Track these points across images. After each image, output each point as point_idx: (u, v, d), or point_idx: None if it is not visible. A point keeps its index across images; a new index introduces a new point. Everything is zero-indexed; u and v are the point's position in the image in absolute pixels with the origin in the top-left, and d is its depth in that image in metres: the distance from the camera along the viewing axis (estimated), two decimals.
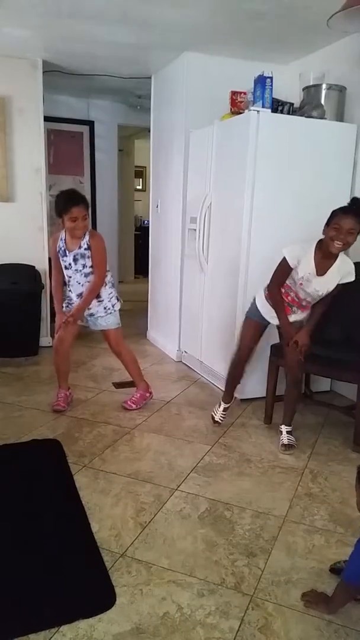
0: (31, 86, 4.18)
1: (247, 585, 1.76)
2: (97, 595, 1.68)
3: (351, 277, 2.68)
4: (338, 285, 2.69)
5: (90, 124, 5.77)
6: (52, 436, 2.84)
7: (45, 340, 4.50)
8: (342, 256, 2.68)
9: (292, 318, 2.80)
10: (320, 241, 2.63)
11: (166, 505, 2.21)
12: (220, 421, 3.07)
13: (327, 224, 2.58)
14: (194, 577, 1.78)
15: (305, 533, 2.07)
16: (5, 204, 4.26)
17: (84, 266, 3.04)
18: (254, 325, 2.91)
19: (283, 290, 2.76)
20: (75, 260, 3.02)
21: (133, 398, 3.32)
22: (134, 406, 3.28)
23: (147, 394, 3.37)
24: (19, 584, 1.72)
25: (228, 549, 1.94)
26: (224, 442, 2.86)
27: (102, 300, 3.12)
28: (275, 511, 2.21)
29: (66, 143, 5.74)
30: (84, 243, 3.00)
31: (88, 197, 5.83)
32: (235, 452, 2.75)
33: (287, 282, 2.74)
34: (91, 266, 3.05)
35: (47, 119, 4.52)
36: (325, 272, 2.65)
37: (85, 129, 5.79)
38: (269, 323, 2.89)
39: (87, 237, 3.01)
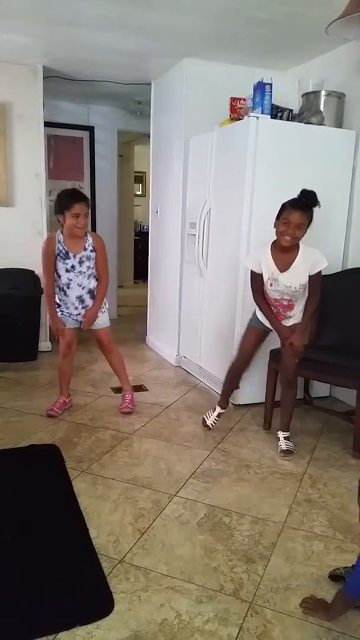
0: (31, 92, 4.20)
1: (246, 591, 1.75)
2: (95, 602, 1.67)
3: (321, 264, 2.67)
4: (313, 276, 2.68)
5: (90, 129, 5.79)
6: (51, 441, 2.83)
7: (44, 345, 4.50)
8: (303, 247, 2.68)
9: (290, 322, 2.81)
10: (274, 241, 2.68)
11: (165, 511, 2.20)
12: (211, 426, 3.06)
13: (277, 217, 2.62)
14: (193, 584, 1.78)
15: (305, 539, 2.06)
16: (5, 209, 4.28)
17: (88, 268, 3.04)
18: (255, 331, 2.92)
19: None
20: (80, 262, 3.02)
21: (127, 400, 3.34)
22: (134, 407, 3.30)
23: (132, 392, 3.43)
24: (16, 590, 1.71)
25: (227, 555, 1.93)
26: (223, 448, 2.86)
27: None
28: (274, 517, 2.20)
29: (66, 148, 5.76)
30: (89, 245, 3.01)
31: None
32: (234, 457, 2.75)
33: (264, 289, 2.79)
34: (93, 267, 3.05)
35: (47, 124, 4.53)
36: (289, 267, 2.66)
37: (85, 135, 5.81)
38: (270, 330, 2.90)
39: (90, 239, 3.02)
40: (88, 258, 3.02)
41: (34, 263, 4.30)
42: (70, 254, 3.00)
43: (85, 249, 3.01)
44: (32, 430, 2.98)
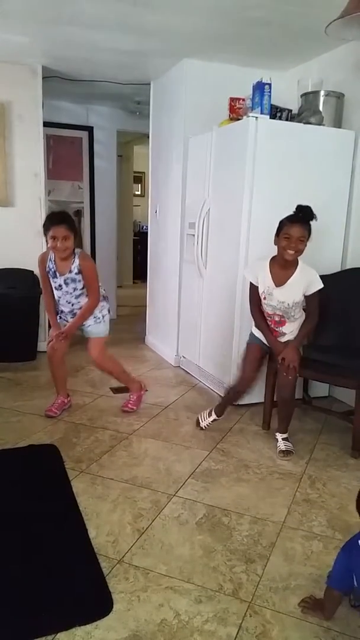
0: (31, 92, 4.20)
1: (245, 591, 1.75)
2: (94, 602, 1.67)
3: (317, 286, 2.71)
4: (310, 297, 2.72)
5: (90, 129, 5.79)
6: (50, 441, 2.83)
7: (43, 345, 4.47)
8: (301, 265, 2.72)
9: (286, 338, 2.82)
10: (275, 256, 2.72)
11: (164, 511, 2.20)
12: (204, 428, 3.06)
13: (277, 234, 2.67)
14: (192, 584, 1.77)
15: (304, 539, 2.06)
16: (5, 209, 4.27)
17: (74, 289, 3.02)
18: (255, 349, 2.93)
19: None
20: (66, 283, 3.01)
21: (131, 400, 3.33)
22: (134, 408, 3.30)
23: (142, 392, 3.41)
24: (15, 590, 1.70)
25: (226, 555, 1.93)
26: (222, 448, 2.86)
27: (93, 312, 3.12)
28: (274, 517, 2.20)
29: (65, 148, 5.76)
30: (75, 267, 2.96)
31: (87, 202, 5.90)
32: (233, 457, 2.75)
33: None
34: (82, 288, 3.03)
35: (46, 124, 4.53)
36: (285, 283, 2.70)
37: (84, 135, 5.80)
38: (269, 349, 2.91)
39: (77, 261, 2.97)
40: (73, 280, 2.99)
41: (33, 263, 4.26)
42: (58, 274, 3.00)
43: (70, 271, 2.97)
44: (31, 430, 2.97)
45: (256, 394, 3.31)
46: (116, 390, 3.65)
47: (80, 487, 2.37)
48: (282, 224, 2.65)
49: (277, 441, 2.83)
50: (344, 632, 1.58)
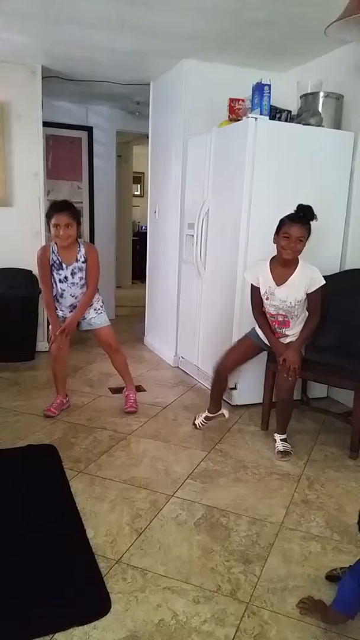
0: (30, 92, 4.19)
1: (243, 592, 1.75)
2: (92, 602, 1.67)
3: (319, 282, 2.71)
4: (312, 295, 2.72)
5: (89, 129, 5.79)
6: (48, 441, 2.83)
7: (42, 345, 4.49)
8: (302, 264, 2.72)
9: (288, 340, 2.82)
10: (275, 256, 2.72)
11: (162, 512, 2.20)
12: (198, 427, 3.07)
13: (277, 232, 2.66)
14: (190, 584, 1.77)
15: (302, 540, 2.06)
16: (4, 209, 4.27)
17: (81, 279, 3.03)
18: (249, 343, 2.95)
19: None
20: (72, 273, 3.01)
21: (131, 400, 3.35)
22: (137, 407, 3.32)
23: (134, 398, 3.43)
24: (13, 590, 1.70)
25: (224, 556, 1.93)
26: (221, 448, 2.86)
27: (92, 304, 3.14)
28: (272, 518, 2.20)
29: (64, 148, 5.75)
30: (81, 256, 2.98)
31: (86, 202, 5.89)
32: (232, 458, 2.75)
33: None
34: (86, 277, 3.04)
35: (45, 124, 4.52)
36: (286, 281, 2.70)
37: (83, 135, 5.80)
38: (267, 348, 2.92)
39: (83, 250, 2.98)
40: (80, 269, 3.01)
41: (32, 263, 4.27)
42: (64, 265, 2.99)
43: (77, 260, 2.99)
44: (29, 430, 2.97)
45: (255, 395, 3.32)
46: (115, 391, 3.65)
47: (79, 487, 2.36)
48: (282, 223, 2.65)
49: (276, 442, 2.83)
50: (342, 633, 1.59)
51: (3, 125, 4.15)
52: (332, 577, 1.80)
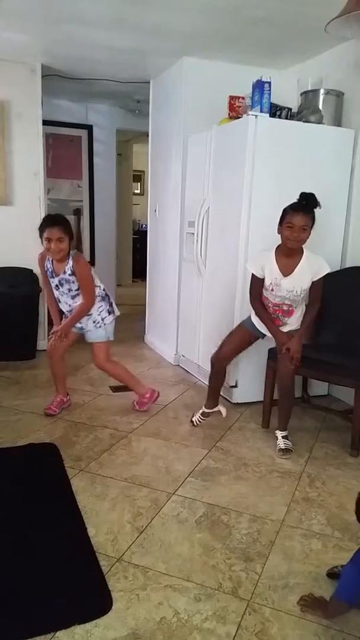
0: (30, 90, 4.19)
1: (244, 590, 1.75)
2: (94, 600, 1.67)
3: (324, 270, 2.71)
4: (316, 282, 2.71)
5: (89, 128, 5.79)
6: (49, 440, 2.83)
7: (42, 343, 4.48)
8: (307, 252, 2.71)
9: (287, 328, 2.81)
10: (279, 245, 2.70)
11: (163, 510, 2.21)
12: (196, 423, 3.08)
13: (280, 223, 2.65)
14: (191, 582, 1.78)
15: (303, 537, 2.06)
16: (4, 208, 4.27)
17: (69, 290, 3.04)
18: (244, 332, 2.95)
19: (265, 303, 2.82)
20: (60, 284, 3.03)
21: (145, 398, 3.34)
22: (144, 407, 3.31)
23: (154, 396, 3.38)
24: (15, 588, 1.70)
25: (225, 554, 1.94)
26: (221, 446, 2.86)
27: (91, 315, 3.10)
28: (273, 515, 2.20)
29: (65, 147, 5.75)
30: (68, 268, 2.97)
31: (86, 201, 5.90)
32: (233, 456, 2.75)
33: (264, 293, 2.79)
34: (77, 289, 3.03)
35: (45, 122, 4.52)
36: (292, 271, 2.69)
37: (83, 133, 5.80)
38: (262, 336, 2.92)
39: (70, 263, 2.97)
40: (67, 281, 3.01)
41: (33, 262, 4.27)
42: (54, 274, 3.03)
43: (64, 272, 2.99)
44: (30, 429, 2.98)
45: (256, 392, 3.32)
46: (116, 389, 3.65)
47: (80, 485, 2.37)
48: (285, 212, 2.63)
49: (277, 439, 2.83)
50: (343, 630, 1.59)
51: (3, 124, 4.14)
52: (333, 575, 1.80)
